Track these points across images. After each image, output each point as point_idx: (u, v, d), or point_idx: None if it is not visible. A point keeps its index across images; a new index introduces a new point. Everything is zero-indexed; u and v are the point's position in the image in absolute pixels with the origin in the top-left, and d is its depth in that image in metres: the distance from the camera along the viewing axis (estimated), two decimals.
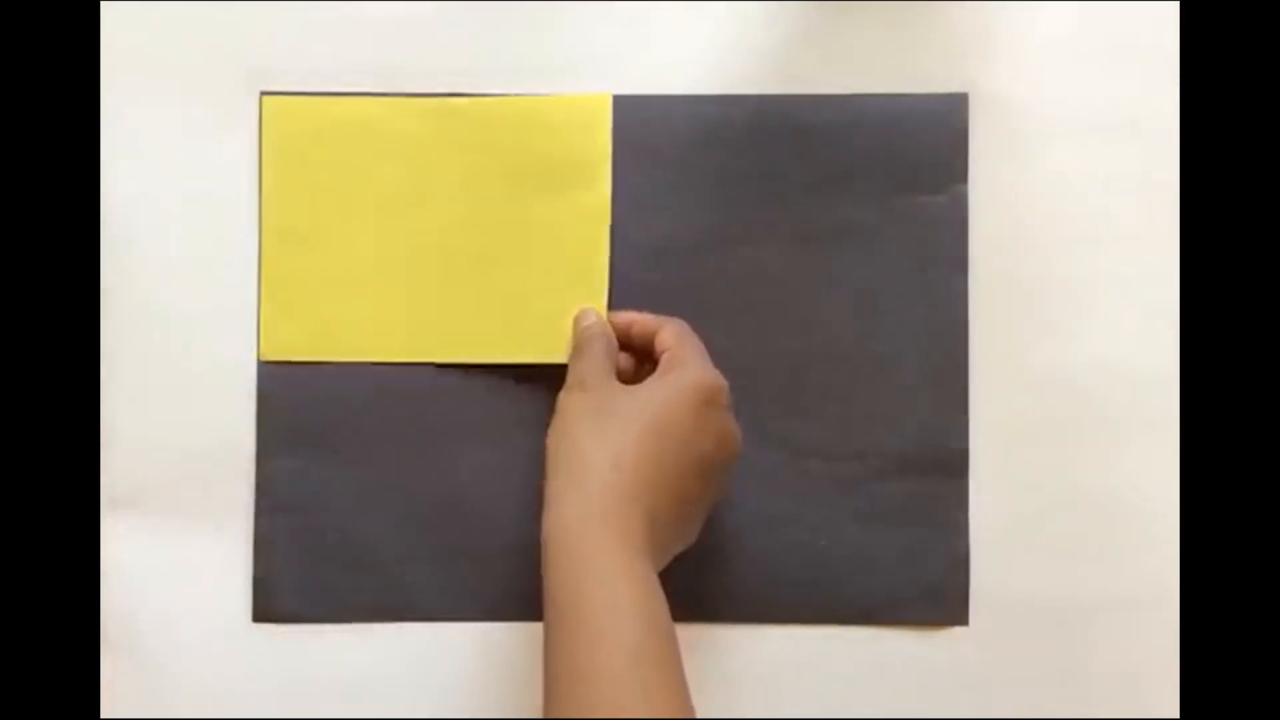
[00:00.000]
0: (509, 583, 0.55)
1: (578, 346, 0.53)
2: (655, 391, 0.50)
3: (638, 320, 0.54)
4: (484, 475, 0.56)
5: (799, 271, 0.56)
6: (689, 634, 0.50)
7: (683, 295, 0.55)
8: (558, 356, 0.54)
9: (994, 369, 0.56)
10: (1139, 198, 0.56)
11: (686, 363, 0.51)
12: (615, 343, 0.53)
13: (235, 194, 0.56)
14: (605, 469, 0.47)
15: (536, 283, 0.56)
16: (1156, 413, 0.56)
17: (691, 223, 0.56)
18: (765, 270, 0.56)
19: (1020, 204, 0.56)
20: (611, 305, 0.55)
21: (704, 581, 0.55)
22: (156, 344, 0.56)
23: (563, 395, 0.51)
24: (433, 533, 0.56)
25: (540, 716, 0.45)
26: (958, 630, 0.56)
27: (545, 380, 0.54)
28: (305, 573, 0.56)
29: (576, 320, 0.55)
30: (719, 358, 0.52)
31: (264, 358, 0.56)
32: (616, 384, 0.51)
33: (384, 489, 0.56)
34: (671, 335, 0.52)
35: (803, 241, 0.56)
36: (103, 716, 0.54)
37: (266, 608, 0.56)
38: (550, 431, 0.50)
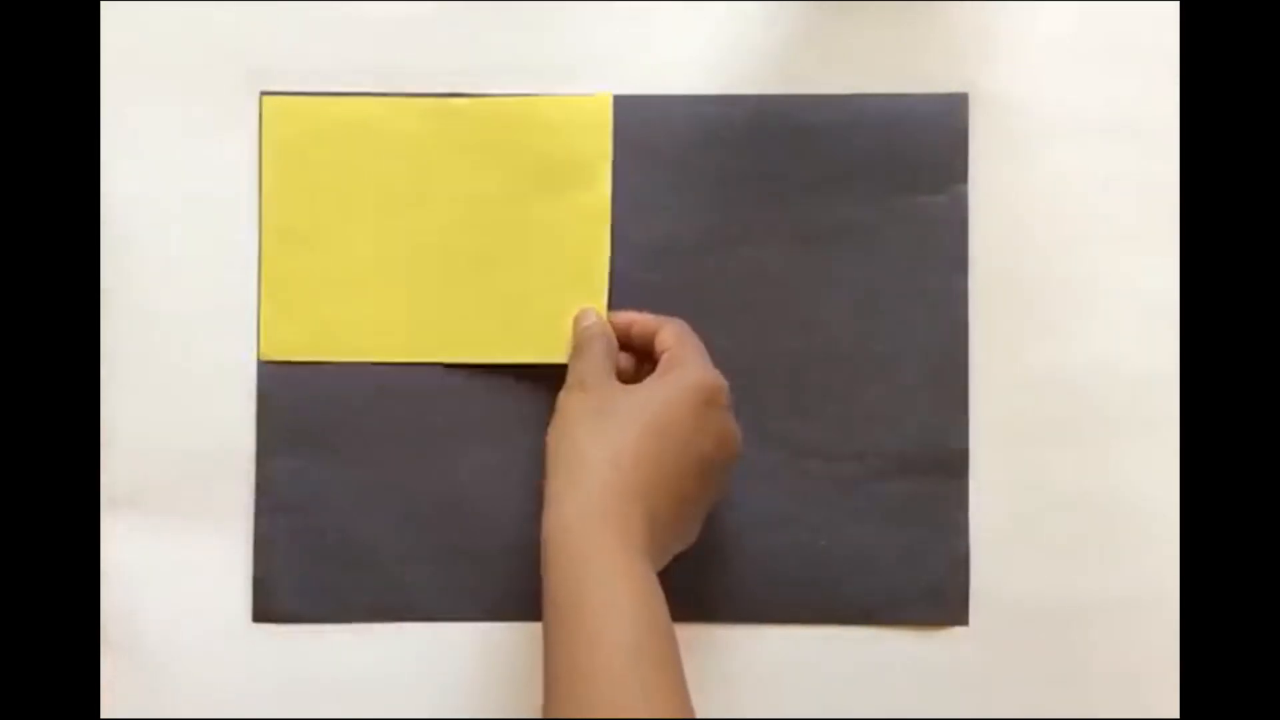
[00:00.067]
0: (509, 583, 0.55)
1: (578, 346, 0.53)
2: (655, 391, 0.50)
3: (638, 320, 0.54)
4: (484, 475, 0.56)
5: (799, 271, 0.56)
6: (689, 634, 0.50)
7: (683, 295, 0.55)
8: (558, 356, 0.54)
9: (994, 369, 0.56)
10: (1139, 198, 0.56)
11: (686, 363, 0.51)
12: (615, 343, 0.54)
13: (235, 194, 0.56)
14: (605, 469, 0.47)
15: (537, 283, 0.56)
16: (1156, 413, 0.56)
17: (691, 223, 0.56)
18: (765, 270, 0.56)
19: (1020, 204, 0.56)
20: (612, 305, 0.55)
21: (704, 581, 0.55)
22: (156, 344, 0.56)
23: (563, 395, 0.51)
24: (433, 533, 0.56)
25: (540, 717, 0.45)
26: (958, 630, 0.56)
27: (545, 380, 0.54)
28: (305, 573, 0.56)
29: (576, 320, 0.55)
30: (719, 358, 0.52)
31: (264, 357, 0.56)
32: (616, 384, 0.51)
33: (384, 489, 0.56)
34: (671, 335, 0.52)
35: (803, 241, 0.56)
36: (103, 716, 0.54)
37: (266, 608, 0.56)
38: (550, 431, 0.50)
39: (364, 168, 0.56)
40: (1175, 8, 0.55)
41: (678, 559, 0.50)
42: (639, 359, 0.54)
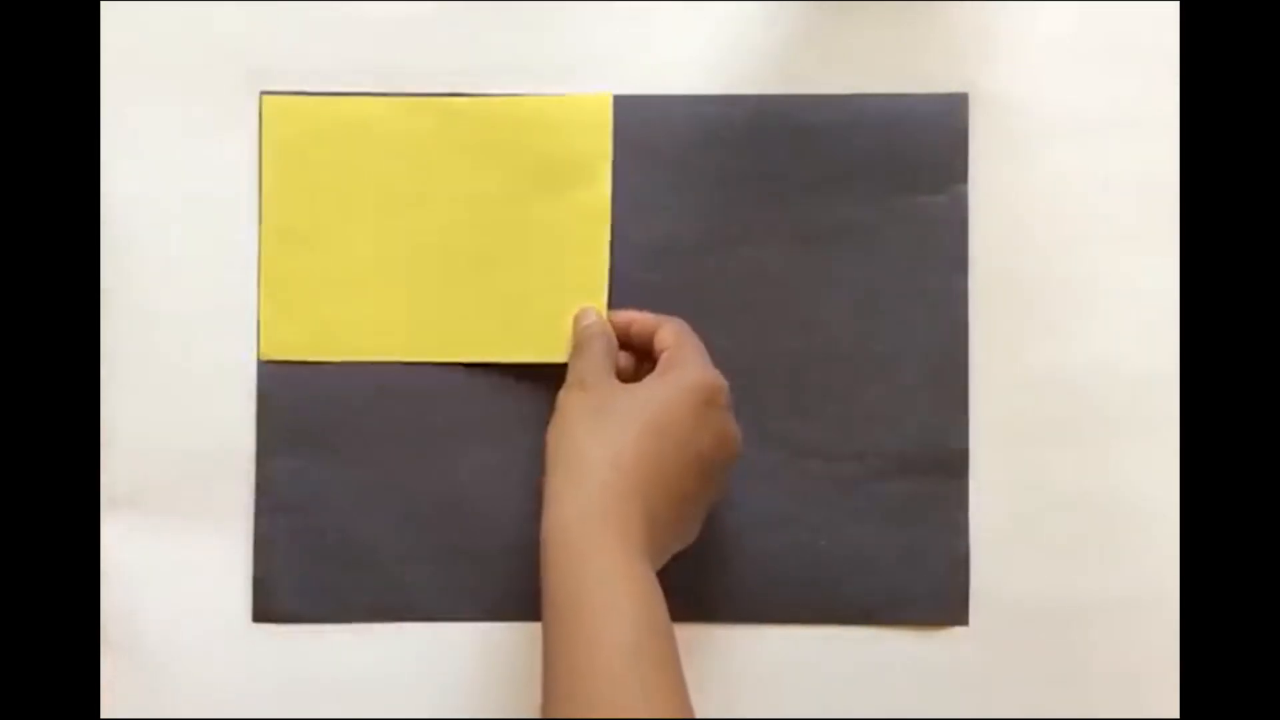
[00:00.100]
0: (509, 583, 0.55)
1: (577, 345, 0.53)
2: (655, 390, 0.50)
3: (637, 319, 0.54)
4: (484, 475, 0.56)
5: (799, 271, 0.56)
6: (689, 634, 0.50)
7: (683, 295, 0.55)
8: (558, 356, 0.54)
9: (994, 369, 0.56)
10: (1139, 198, 0.56)
11: (686, 362, 0.51)
12: (615, 342, 0.54)
13: (235, 194, 0.56)
14: (604, 468, 0.47)
15: (536, 282, 0.56)
16: (1156, 413, 0.56)
17: (691, 223, 0.56)
18: (765, 270, 0.56)
19: (1020, 204, 0.56)
20: (612, 305, 0.55)
21: (704, 581, 0.55)
22: (156, 344, 0.56)
23: (562, 394, 0.51)
24: (433, 533, 0.56)
25: (539, 717, 0.45)
26: (958, 630, 0.56)
27: (545, 380, 0.54)
28: (305, 573, 0.56)
29: (576, 319, 0.55)
30: (719, 358, 0.52)
31: (264, 357, 0.56)
32: (616, 383, 0.51)
33: (384, 489, 0.56)
34: (671, 334, 0.52)
35: (803, 241, 0.56)
36: (103, 716, 0.54)
37: (266, 608, 0.56)
38: (550, 430, 0.50)
39: (364, 167, 0.56)
40: (1175, 8, 0.55)
41: (677, 558, 0.50)
42: (639, 358, 0.54)
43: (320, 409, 0.56)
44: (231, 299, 0.56)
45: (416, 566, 0.56)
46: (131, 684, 0.56)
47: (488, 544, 0.56)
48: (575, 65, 0.56)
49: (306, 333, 0.56)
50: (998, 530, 0.56)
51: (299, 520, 0.56)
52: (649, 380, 0.51)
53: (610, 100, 0.56)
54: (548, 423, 0.50)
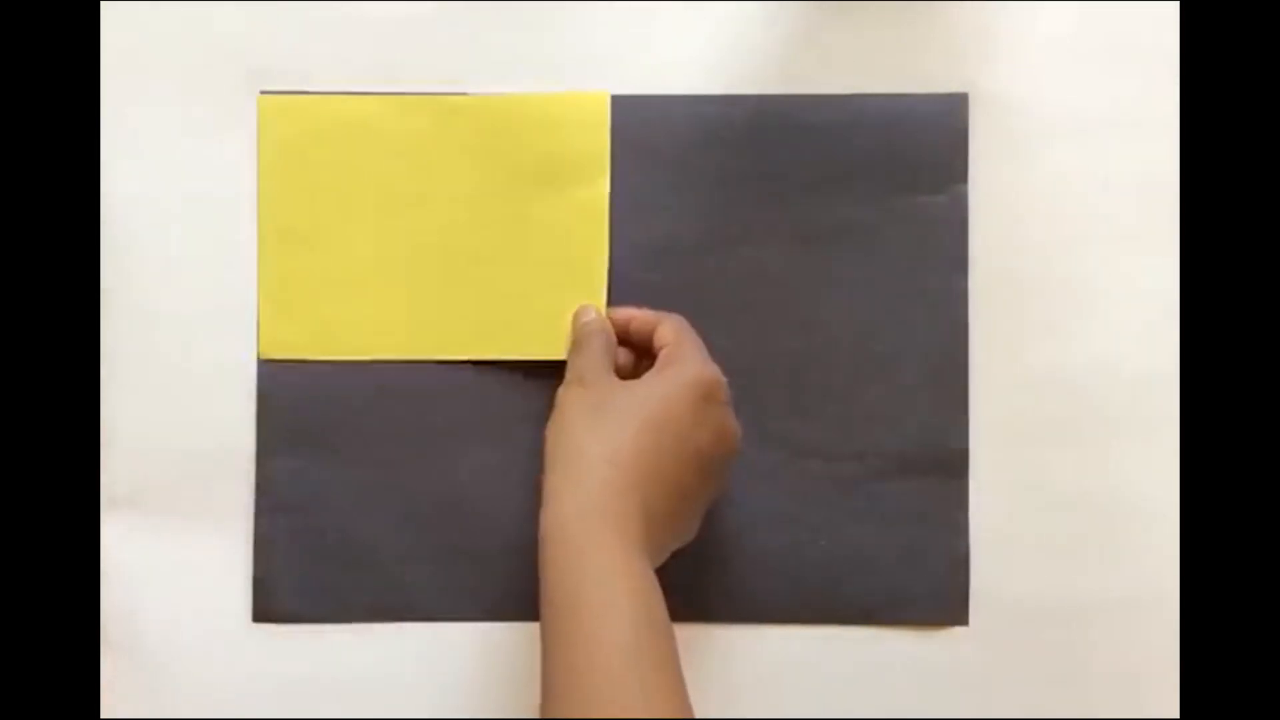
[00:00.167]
0: (509, 583, 0.55)
1: (577, 342, 0.53)
2: (653, 387, 0.50)
3: (637, 316, 0.54)
4: (484, 475, 0.56)
5: (799, 271, 0.56)
6: (689, 634, 0.50)
7: (683, 295, 0.55)
8: (557, 353, 0.54)
9: (994, 369, 0.56)
10: (1139, 198, 0.56)
11: (685, 358, 0.51)
12: (614, 339, 0.54)
13: (235, 194, 0.56)
14: (603, 465, 0.47)
15: (536, 280, 0.56)
16: (1156, 413, 0.56)
17: (691, 223, 0.56)
18: (765, 270, 0.56)
19: (1020, 204, 0.56)
20: (611, 304, 0.55)
21: (704, 582, 0.55)
22: (156, 344, 0.56)
23: (561, 391, 0.51)
24: (433, 533, 0.56)
25: (538, 717, 0.45)
26: (958, 630, 0.56)
27: (545, 378, 0.54)
28: (305, 573, 0.56)
29: (576, 316, 0.55)
30: (719, 357, 0.52)
31: (263, 356, 0.56)
32: (615, 379, 0.51)
33: (384, 489, 0.56)
34: (670, 331, 0.52)
35: (803, 241, 0.56)
36: (103, 716, 0.54)
37: (266, 608, 0.56)
38: (549, 426, 0.50)
39: (362, 166, 0.56)
40: (1175, 8, 0.55)
41: (677, 556, 0.50)
42: (638, 355, 0.54)
43: (320, 409, 0.56)
44: (232, 299, 0.56)
45: (416, 566, 0.56)
46: (131, 684, 0.56)
47: (488, 544, 0.56)
48: (575, 65, 0.56)
49: (306, 332, 0.56)
50: (998, 530, 0.56)
51: (299, 520, 0.56)
52: (648, 377, 0.51)
53: (608, 98, 0.56)
54: (548, 421, 0.50)
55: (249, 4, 0.56)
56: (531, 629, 0.49)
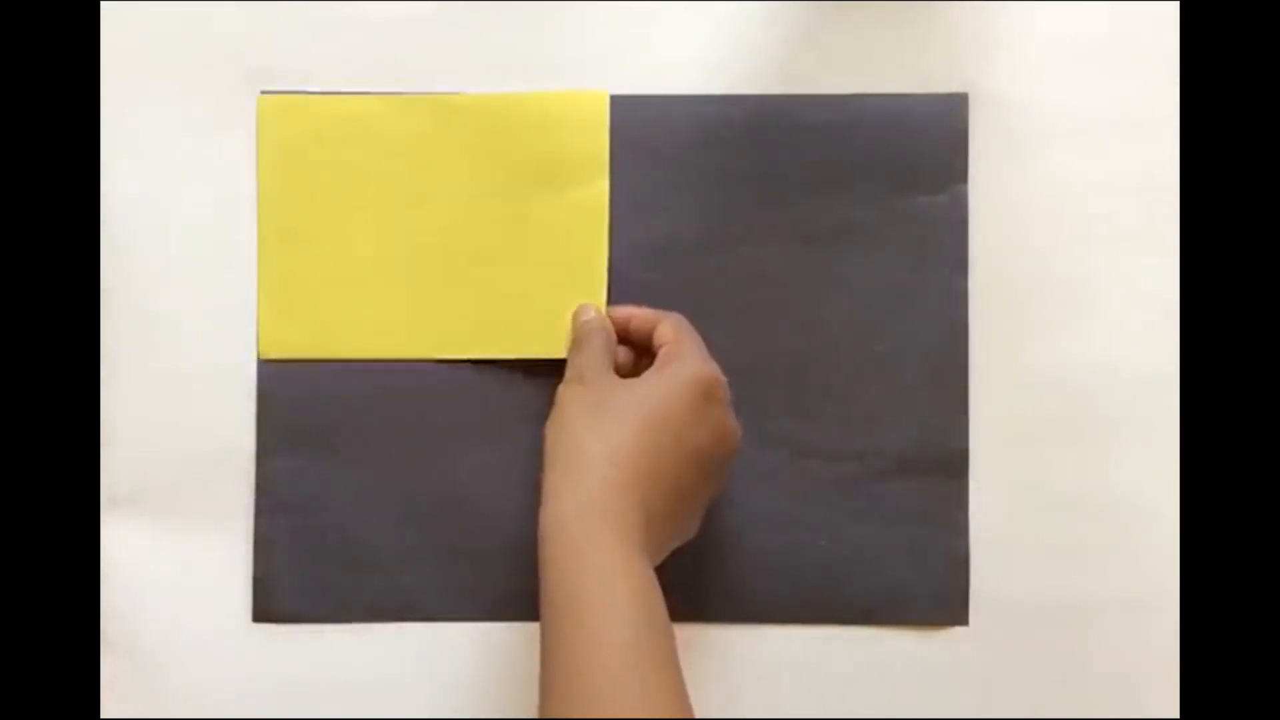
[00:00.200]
0: (509, 583, 0.55)
1: (576, 341, 0.53)
2: (652, 385, 0.50)
3: (636, 315, 0.54)
4: (484, 475, 0.56)
5: (799, 271, 0.56)
6: (688, 634, 0.50)
7: (683, 295, 0.55)
8: (557, 352, 0.54)
9: (994, 369, 0.56)
10: (1139, 198, 0.56)
11: (684, 356, 0.51)
12: (614, 337, 0.54)
13: (235, 194, 0.56)
14: (602, 463, 0.47)
15: (536, 279, 0.56)
16: (1156, 413, 0.56)
17: (691, 223, 0.56)
18: (765, 270, 0.56)
19: (1020, 204, 0.56)
20: (611, 304, 0.55)
21: (704, 582, 0.55)
22: (156, 344, 0.56)
23: (561, 389, 0.51)
24: (433, 533, 0.56)
25: (537, 717, 0.45)
26: (958, 630, 0.56)
27: (545, 376, 0.54)
28: (305, 573, 0.56)
29: (575, 315, 0.55)
30: (719, 357, 0.52)
31: (263, 356, 0.56)
32: (614, 378, 0.51)
33: (384, 489, 0.56)
34: (670, 329, 0.52)
35: (803, 241, 0.56)
36: (103, 716, 0.54)
37: (266, 608, 0.56)
38: (548, 425, 0.50)
39: (361, 165, 0.56)
40: (1175, 8, 0.55)
41: (677, 554, 0.50)
42: (638, 353, 0.54)
43: (320, 409, 0.56)
44: (232, 299, 0.56)
45: (416, 566, 0.56)
46: (131, 684, 0.56)
47: (488, 544, 0.56)
48: (575, 65, 0.56)
49: (306, 331, 0.56)
50: (998, 530, 0.56)
51: (299, 520, 0.56)
52: (647, 375, 0.51)
53: (607, 97, 0.56)
54: (547, 419, 0.50)
55: (249, 4, 0.56)
56: (531, 629, 0.49)
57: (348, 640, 0.56)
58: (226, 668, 0.56)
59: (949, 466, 0.56)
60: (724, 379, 0.51)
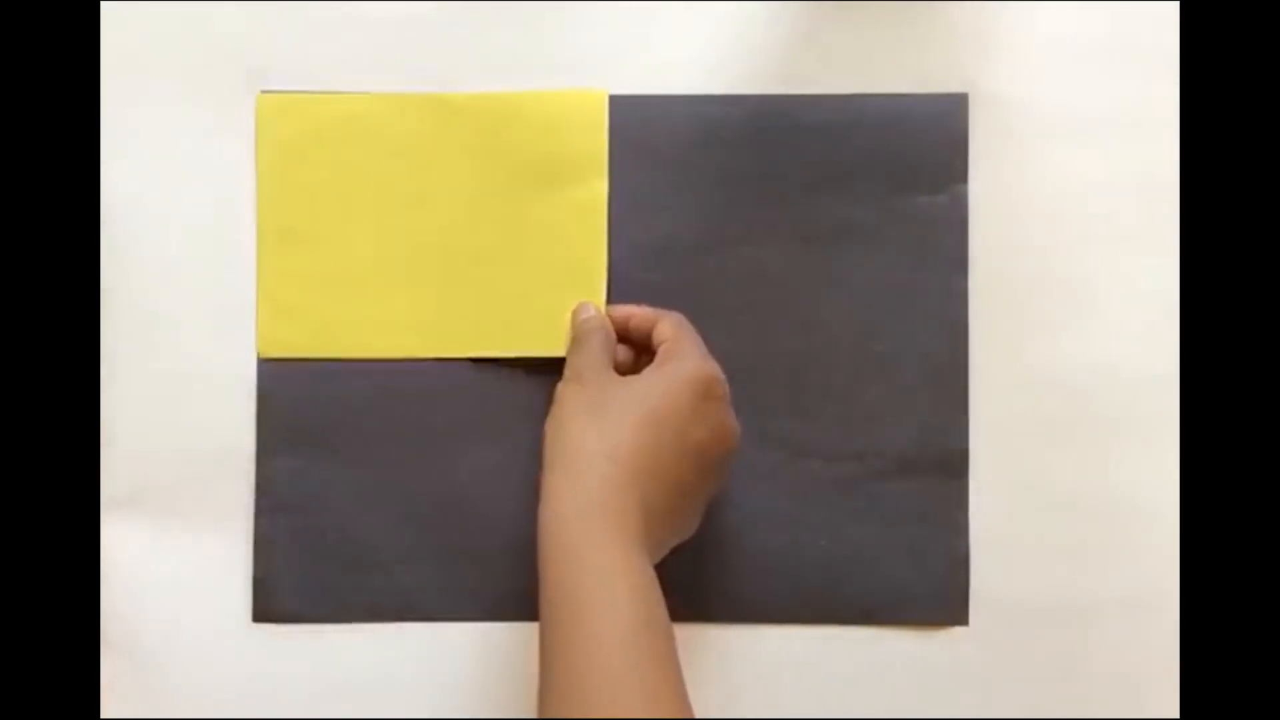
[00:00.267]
0: (509, 583, 0.55)
1: (575, 339, 0.53)
2: (651, 383, 0.50)
3: (636, 313, 0.54)
4: (484, 475, 0.56)
5: (799, 271, 0.56)
6: (688, 634, 0.50)
7: (683, 295, 0.55)
8: (557, 351, 0.54)
9: (994, 369, 0.56)
10: (1139, 198, 0.56)
11: (683, 354, 0.51)
12: (613, 336, 0.54)
13: (235, 194, 0.56)
14: (601, 462, 0.47)
15: (535, 278, 0.56)
16: (1156, 413, 0.56)
17: (691, 223, 0.56)
18: (765, 270, 0.56)
19: (1020, 204, 0.56)
20: (611, 304, 0.55)
21: (704, 581, 0.55)
22: (156, 344, 0.56)
23: (560, 387, 0.51)
24: (433, 533, 0.56)
25: (537, 716, 0.45)
26: (958, 630, 0.56)
27: (545, 376, 0.54)
28: (305, 573, 0.56)
29: (575, 314, 0.55)
30: (719, 357, 0.52)
31: (262, 355, 0.56)
32: (613, 376, 0.51)
33: (384, 489, 0.56)
34: (669, 327, 0.52)
35: (803, 241, 0.56)
36: (103, 716, 0.54)
37: (266, 608, 0.56)
38: (547, 423, 0.50)
39: (360, 164, 0.56)
40: (1175, 8, 0.55)
41: (676, 554, 0.50)
42: (638, 352, 0.54)
43: (320, 408, 0.56)
44: (232, 299, 0.56)
45: (416, 566, 0.56)
46: (131, 684, 0.56)
47: (488, 544, 0.56)
48: (575, 65, 0.56)
49: (305, 330, 0.56)
50: (998, 530, 0.56)
51: (299, 520, 0.56)
52: (646, 373, 0.51)
53: (606, 96, 0.56)
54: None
55: (249, 4, 0.56)
56: (531, 629, 0.49)
57: (348, 640, 0.56)
58: (226, 668, 0.56)
59: (949, 466, 0.56)
60: (723, 377, 0.51)
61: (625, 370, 0.53)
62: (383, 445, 0.56)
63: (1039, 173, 0.56)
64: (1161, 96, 0.56)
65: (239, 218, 0.56)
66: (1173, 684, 0.50)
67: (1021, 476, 0.56)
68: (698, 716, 0.45)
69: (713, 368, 0.51)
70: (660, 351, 0.52)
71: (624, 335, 0.54)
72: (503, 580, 0.56)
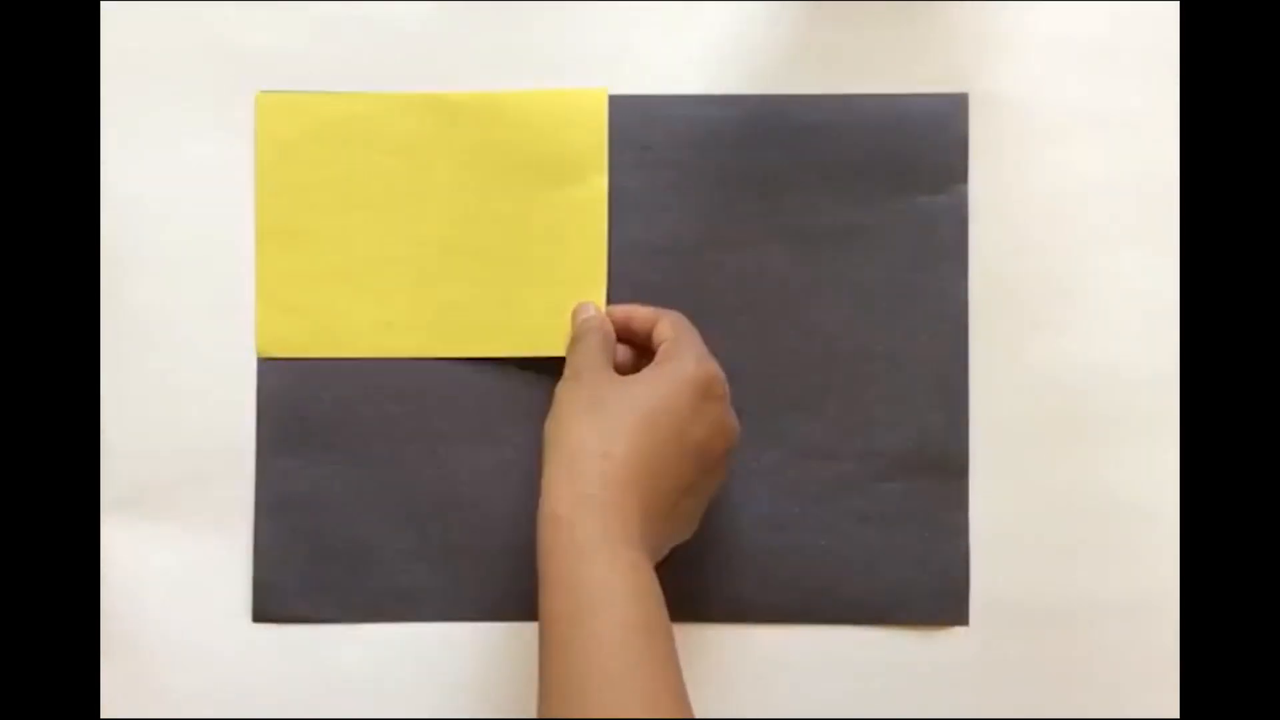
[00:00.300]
0: (509, 583, 0.55)
1: (575, 338, 0.53)
2: (651, 382, 0.50)
3: (636, 313, 0.54)
4: (484, 475, 0.56)
5: (799, 271, 0.56)
6: (688, 634, 0.50)
7: (683, 295, 0.55)
8: (557, 350, 0.54)
9: (994, 369, 0.56)
10: (1139, 198, 0.56)
11: (683, 354, 0.51)
12: (613, 335, 0.54)
13: (235, 194, 0.56)
14: (600, 461, 0.47)
15: (535, 277, 0.56)
16: (1156, 413, 0.56)
17: (691, 223, 0.56)
18: (765, 270, 0.56)
19: (1020, 204, 0.56)
20: (611, 304, 0.55)
21: (704, 582, 0.55)
22: (156, 344, 0.56)
23: (560, 386, 0.51)
24: (433, 533, 0.56)
25: (537, 716, 0.45)
26: (958, 630, 0.56)
27: (545, 375, 0.54)
28: (305, 573, 0.56)
29: (575, 313, 0.55)
30: (719, 357, 0.52)
31: (261, 354, 0.56)
32: (613, 375, 0.51)
33: (384, 489, 0.56)
34: (669, 327, 0.52)
35: (803, 241, 0.56)
36: (103, 716, 0.54)
37: (266, 608, 0.56)
38: (547, 422, 0.50)
39: (359, 163, 0.56)
40: (1175, 8, 0.55)
41: (676, 554, 0.50)
42: (638, 351, 0.54)
43: (320, 408, 0.56)
44: (232, 299, 0.56)
45: (416, 566, 0.56)
46: (131, 684, 0.56)
47: (488, 544, 0.56)
48: (575, 65, 0.56)
49: (304, 330, 0.56)
50: (998, 530, 0.56)
51: (299, 520, 0.56)
52: (645, 372, 0.51)
53: (606, 95, 0.56)
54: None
55: (249, 4, 0.56)
56: (531, 629, 0.49)
57: (348, 640, 0.56)
58: (226, 668, 0.56)
59: (949, 467, 0.56)
60: (723, 376, 0.51)
61: (625, 370, 0.53)
62: (383, 445, 0.56)
63: (1039, 173, 0.56)
64: (1161, 96, 0.56)
65: (238, 217, 0.56)
66: (1173, 684, 0.51)
67: (1021, 477, 0.56)
68: (697, 717, 0.45)
69: (712, 367, 0.51)
70: (660, 351, 0.52)
71: (624, 335, 0.54)
72: (503, 580, 0.56)
